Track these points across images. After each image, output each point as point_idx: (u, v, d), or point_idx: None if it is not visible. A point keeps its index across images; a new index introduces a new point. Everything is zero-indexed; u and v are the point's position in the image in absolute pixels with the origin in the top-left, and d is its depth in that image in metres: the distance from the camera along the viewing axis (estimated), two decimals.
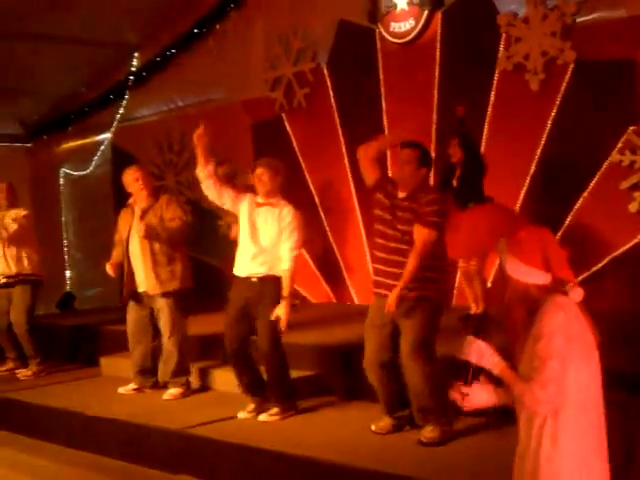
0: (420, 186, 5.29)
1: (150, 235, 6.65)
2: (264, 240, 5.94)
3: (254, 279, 5.95)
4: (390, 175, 5.53)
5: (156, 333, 6.96)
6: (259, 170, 6.01)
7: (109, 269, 6.89)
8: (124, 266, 6.85)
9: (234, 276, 6.11)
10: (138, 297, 6.93)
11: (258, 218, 5.99)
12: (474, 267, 7.14)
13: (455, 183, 7.15)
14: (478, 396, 2.85)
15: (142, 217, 6.77)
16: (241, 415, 6.09)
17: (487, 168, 7.13)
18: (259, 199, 6.04)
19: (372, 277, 5.49)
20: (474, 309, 7.24)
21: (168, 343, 6.81)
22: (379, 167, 5.59)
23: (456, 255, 7.09)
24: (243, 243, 6.05)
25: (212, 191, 6.08)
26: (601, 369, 2.85)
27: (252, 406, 6.13)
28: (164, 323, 6.80)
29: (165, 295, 6.74)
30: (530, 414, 2.82)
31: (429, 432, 5.17)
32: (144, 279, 6.78)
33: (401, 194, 5.30)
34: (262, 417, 6.00)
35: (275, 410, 6.01)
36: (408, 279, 5.08)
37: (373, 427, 5.45)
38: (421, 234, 5.11)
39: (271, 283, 5.91)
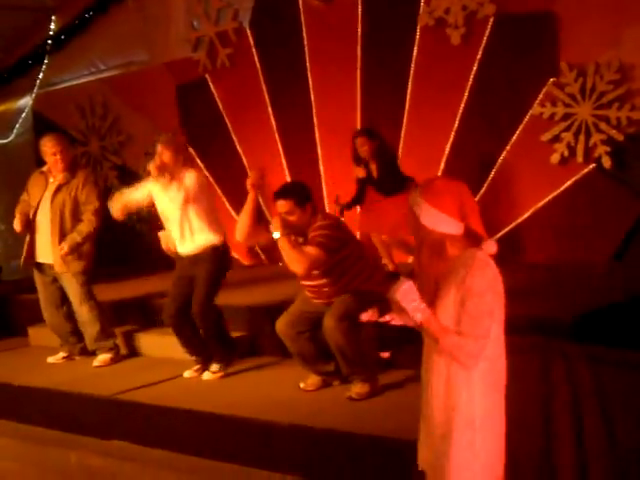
0: (311, 221, 5.15)
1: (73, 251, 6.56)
2: (175, 217, 5.98)
3: (189, 255, 6.02)
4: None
5: (64, 297, 6.84)
6: (159, 149, 5.95)
7: (16, 224, 6.71)
8: (30, 230, 6.74)
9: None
10: (39, 266, 6.83)
11: (166, 200, 6.00)
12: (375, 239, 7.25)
13: (375, 175, 7.22)
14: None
15: (56, 193, 6.62)
16: (187, 374, 6.12)
17: (397, 154, 7.37)
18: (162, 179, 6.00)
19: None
20: (390, 266, 7.32)
21: (83, 314, 6.74)
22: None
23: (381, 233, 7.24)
24: (167, 226, 6.14)
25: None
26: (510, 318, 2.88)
27: (197, 366, 6.16)
28: (73, 297, 6.73)
29: (69, 273, 6.66)
30: (442, 366, 2.84)
31: (359, 388, 5.20)
32: (48, 253, 6.66)
33: (300, 240, 5.18)
34: (205, 375, 6.03)
35: (215, 367, 6.04)
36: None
37: (302, 385, 5.47)
38: (310, 252, 4.99)
39: (205, 253, 5.97)
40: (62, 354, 7.00)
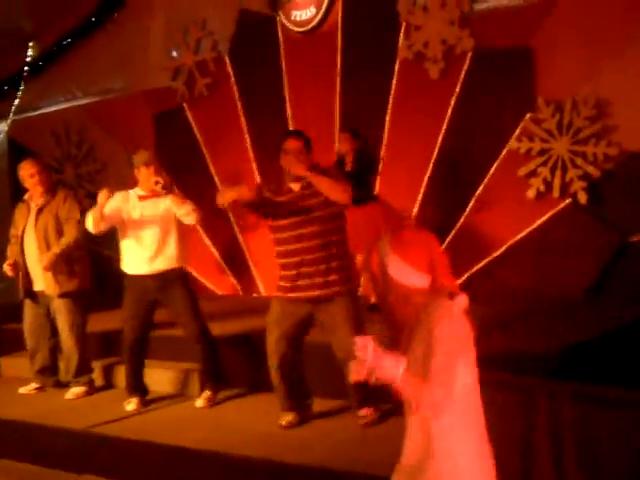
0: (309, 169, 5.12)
1: (53, 265, 6.48)
2: (152, 234, 5.95)
3: (155, 275, 5.97)
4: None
5: (54, 330, 6.77)
6: (152, 168, 5.96)
7: (7, 270, 6.65)
8: (19, 263, 6.66)
9: (128, 275, 6.08)
10: (34, 295, 6.75)
11: (142, 211, 5.99)
12: (359, 262, 7.10)
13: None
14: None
15: (38, 215, 6.59)
16: (129, 407, 6.08)
17: (377, 167, 7.32)
18: (140, 192, 6.02)
19: (288, 283, 5.20)
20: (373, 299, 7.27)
21: (67, 342, 6.65)
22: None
23: None
24: (132, 243, 6.04)
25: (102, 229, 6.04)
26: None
27: (135, 399, 6.15)
28: (62, 323, 6.64)
29: (62, 296, 6.57)
30: (421, 417, 2.79)
31: (371, 412, 5.21)
32: (41, 279, 6.60)
33: (295, 186, 5.14)
34: (199, 403, 6.03)
35: (208, 394, 6.05)
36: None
37: (283, 422, 5.34)
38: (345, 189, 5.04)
39: (175, 274, 5.99)
40: (34, 385, 6.89)
